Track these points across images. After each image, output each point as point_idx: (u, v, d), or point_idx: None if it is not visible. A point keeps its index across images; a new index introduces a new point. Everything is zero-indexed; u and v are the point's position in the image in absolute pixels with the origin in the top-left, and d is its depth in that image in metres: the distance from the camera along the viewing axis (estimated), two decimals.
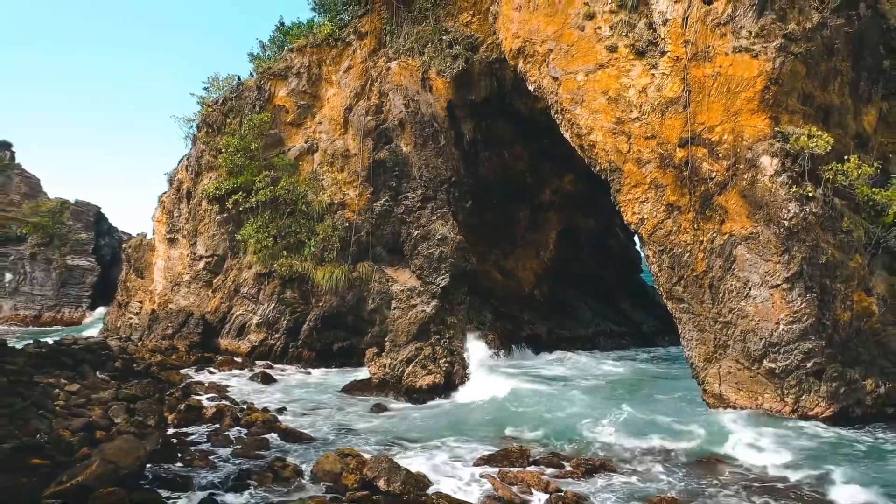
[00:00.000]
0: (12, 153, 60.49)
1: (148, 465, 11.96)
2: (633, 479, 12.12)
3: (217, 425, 15.69)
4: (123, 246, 39.92)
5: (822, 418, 16.21)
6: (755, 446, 13.85)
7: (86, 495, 10.18)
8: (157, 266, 34.94)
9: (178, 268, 33.61)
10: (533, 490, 11.21)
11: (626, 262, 38.22)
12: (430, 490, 10.83)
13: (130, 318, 35.28)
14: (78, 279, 54.14)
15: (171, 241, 34.42)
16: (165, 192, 35.86)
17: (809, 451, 13.66)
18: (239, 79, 34.46)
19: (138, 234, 39.46)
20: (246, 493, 11.01)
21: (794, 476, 12.05)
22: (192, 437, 14.53)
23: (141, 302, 35.36)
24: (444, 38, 27.76)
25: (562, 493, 10.84)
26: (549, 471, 12.44)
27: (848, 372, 16.57)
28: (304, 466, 12.30)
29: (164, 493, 10.85)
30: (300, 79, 32.27)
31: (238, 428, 15.51)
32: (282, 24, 35.91)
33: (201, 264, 32.43)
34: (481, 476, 12.10)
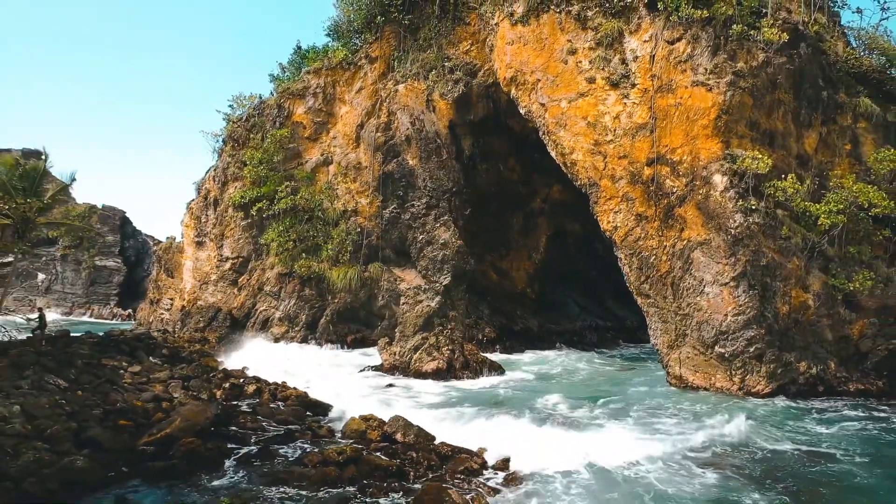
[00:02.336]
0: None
1: (211, 428, 14.65)
2: (589, 431, 14.92)
3: (257, 399, 18.35)
4: (154, 248, 42.67)
5: (762, 394, 18.91)
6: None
7: (171, 443, 12.87)
8: (186, 267, 37.61)
9: (206, 268, 36.31)
10: (521, 446, 13.89)
11: (611, 262, 40.71)
12: (437, 441, 13.52)
13: (162, 314, 37.97)
14: (106, 278, 56.88)
15: (199, 244, 37.12)
16: (193, 200, 38.57)
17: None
18: (260, 97, 37.24)
19: (168, 238, 42.12)
20: (292, 446, 13.68)
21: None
22: (241, 407, 17.17)
23: (171, 299, 38.04)
24: (446, 64, 30.50)
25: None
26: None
27: (784, 356, 19.26)
28: (335, 427, 15.00)
29: (228, 444, 13.53)
30: (316, 98, 35.00)
31: (276, 401, 18.20)
32: (299, 47, 38.66)
33: (227, 265, 35.16)
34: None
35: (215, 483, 11.56)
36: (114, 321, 50.13)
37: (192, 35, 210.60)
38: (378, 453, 12.95)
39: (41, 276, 56.47)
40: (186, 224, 38.16)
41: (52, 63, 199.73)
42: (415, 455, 12.56)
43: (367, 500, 10.57)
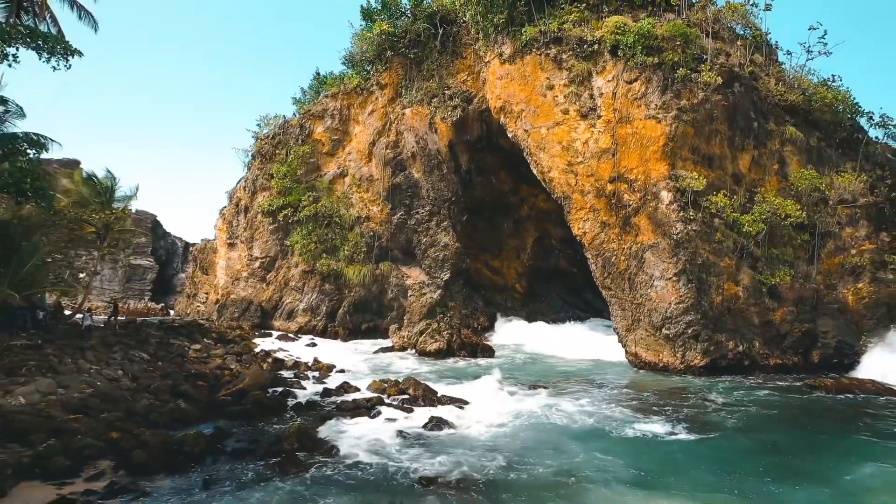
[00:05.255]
0: (80, 169, 67.02)
1: (269, 387, 18.55)
2: (558, 390, 18.78)
3: (297, 370, 22.27)
4: (191, 249, 46.55)
5: (699, 368, 22.77)
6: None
7: (243, 395, 16.77)
8: (220, 265, 41.53)
9: (237, 266, 40.20)
10: (497, 395, 17.85)
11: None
12: (439, 394, 17.43)
13: (198, 306, 41.90)
14: (140, 276, 60.69)
15: (231, 246, 41.03)
16: (225, 207, 42.50)
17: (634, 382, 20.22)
18: (284, 118, 41.12)
19: (202, 240, 46.00)
20: (329, 399, 17.57)
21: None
22: (286, 375, 21.07)
23: (207, 293, 41.97)
24: (446, 92, 34.34)
25: (511, 394, 17.57)
26: (510, 389, 19.10)
27: (716, 336, 23.14)
28: (360, 386, 18.91)
29: (284, 398, 17.43)
30: (333, 119, 38.87)
31: (311, 371, 22.12)
32: (318, 73, 42.58)
33: (257, 264, 39.04)
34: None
35: (279, 423, 15.43)
36: (150, 315, 53.95)
37: (187, 30, 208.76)
38: (393, 401, 16.90)
39: (81, 273, 60.25)
40: (220, 228, 42.08)
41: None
42: (421, 402, 16.50)
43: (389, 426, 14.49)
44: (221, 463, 11.87)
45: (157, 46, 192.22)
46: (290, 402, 17.14)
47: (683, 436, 14.22)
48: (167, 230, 67.07)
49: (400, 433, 13.43)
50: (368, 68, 38.56)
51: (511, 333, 33.96)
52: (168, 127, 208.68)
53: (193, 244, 55.49)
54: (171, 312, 49.68)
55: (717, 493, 10.56)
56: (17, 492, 10.31)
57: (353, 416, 15.21)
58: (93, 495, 10.15)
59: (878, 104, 76.87)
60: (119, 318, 26.53)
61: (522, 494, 10.34)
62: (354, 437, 13.37)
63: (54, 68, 16.32)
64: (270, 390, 18.31)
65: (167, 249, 65.28)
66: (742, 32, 29.44)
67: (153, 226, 64.18)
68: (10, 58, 15.98)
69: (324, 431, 13.81)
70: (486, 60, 30.87)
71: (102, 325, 25.82)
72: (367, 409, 15.83)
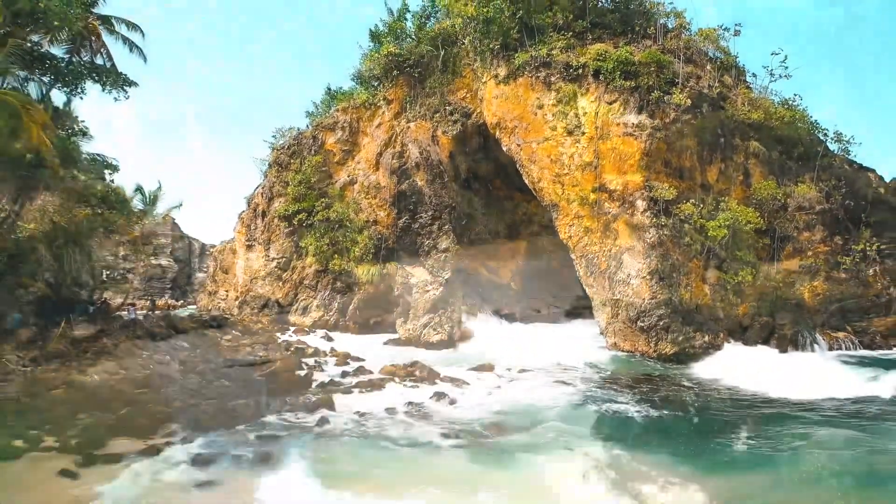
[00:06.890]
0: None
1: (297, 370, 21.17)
2: (543, 374, 21.37)
3: (317, 357, 24.89)
4: (211, 250, 49.16)
5: (669, 356, 25.33)
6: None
7: (276, 375, 19.40)
8: (239, 265, 44.12)
9: (255, 266, 42.77)
10: (491, 378, 20.44)
11: None
12: (441, 375, 20.04)
13: (219, 303, 44.51)
14: (160, 275, 63.46)
15: (249, 247, 43.61)
16: (244, 211, 45.09)
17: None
18: (298, 130, 43.70)
19: (222, 242, 48.62)
20: (348, 379, 20.20)
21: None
22: (308, 361, 23.68)
23: (227, 291, 44.59)
24: (447, 107, 36.89)
25: (502, 377, 20.17)
26: (502, 373, 21.68)
27: (685, 328, 25.70)
28: (373, 370, 21.52)
29: (308, 378, 20.05)
30: (344, 131, 41.41)
31: (330, 358, 24.72)
32: (329, 89, 45.17)
33: (273, 264, 41.61)
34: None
35: (306, 395, 18.03)
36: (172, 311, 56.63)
37: (190, 31, 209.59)
38: (403, 381, 19.52)
39: (105, 272, 62.95)
40: (239, 231, 44.68)
41: None
42: (426, 381, 19.11)
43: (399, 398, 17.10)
44: (267, 423, 14.51)
45: (157, 46, 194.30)
46: (315, 381, 19.74)
47: (649, 412, 16.75)
48: (184, 232, 69.86)
49: (409, 403, 16.06)
50: (376, 84, 41.08)
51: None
52: (167, 127, 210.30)
53: (211, 245, 58.14)
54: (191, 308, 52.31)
55: (664, 448, 13.14)
56: (112, 444, 12.95)
57: (369, 391, 17.83)
58: (173, 445, 12.78)
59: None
60: (156, 312, 29.11)
61: (503, 447, 12.96)
62: (371, 406, 16.00)
63: (115, 99, 18.98)
64: (297, 372, 20.98)
65: (185, 250, 68.05)
66: (714, 56, 32.02)
67: (171, 228, 66.92)
68: (79, 90, 18.57)
69: (346, 402, 16.44)
70: (483, 80, 33.43)
71: (143, 319, 28.46)
72: (380, 386, 18.45)
